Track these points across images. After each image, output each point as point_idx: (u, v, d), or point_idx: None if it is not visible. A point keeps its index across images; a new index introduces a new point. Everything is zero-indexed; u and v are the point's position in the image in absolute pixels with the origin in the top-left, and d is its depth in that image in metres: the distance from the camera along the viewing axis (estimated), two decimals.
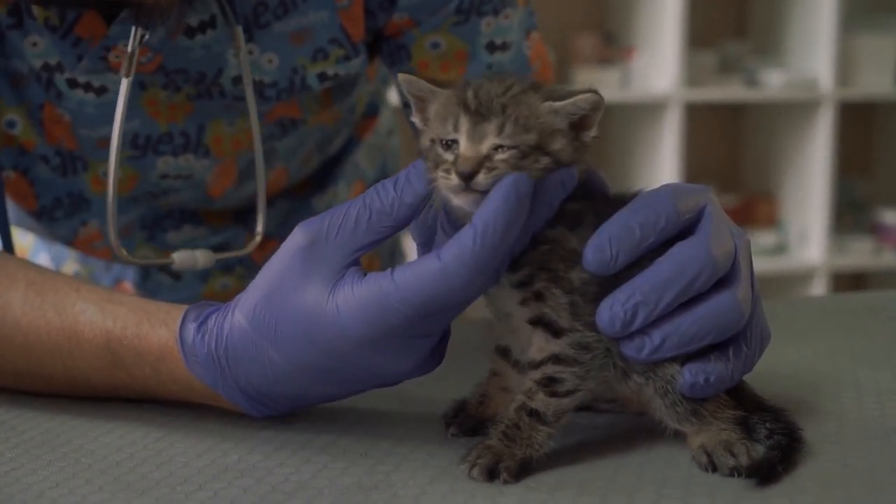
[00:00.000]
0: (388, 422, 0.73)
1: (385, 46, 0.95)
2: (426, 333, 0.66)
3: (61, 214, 1.03)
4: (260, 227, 0.93)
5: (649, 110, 3.32)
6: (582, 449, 0.67)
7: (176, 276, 1.12)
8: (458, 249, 0.62)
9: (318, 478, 0.64)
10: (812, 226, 3.41)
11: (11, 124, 0.94)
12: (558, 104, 0.63)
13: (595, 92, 0.63)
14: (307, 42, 0.91)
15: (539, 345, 0.64)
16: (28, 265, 0.80)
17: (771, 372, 0.75)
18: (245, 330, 0.68)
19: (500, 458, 0.62)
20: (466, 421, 0.70)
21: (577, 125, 0.64)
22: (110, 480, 0.63)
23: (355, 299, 0.64)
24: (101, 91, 0.90)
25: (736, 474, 0.62)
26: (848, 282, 3.70)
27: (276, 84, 0.92)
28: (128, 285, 1.12)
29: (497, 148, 0.62)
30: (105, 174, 0.98)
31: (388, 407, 0.76)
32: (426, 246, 0.67)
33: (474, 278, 0.62)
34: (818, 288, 3.39)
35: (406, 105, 0.67)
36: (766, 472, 0.62)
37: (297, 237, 0.67)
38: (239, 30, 0.86)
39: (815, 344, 0.93)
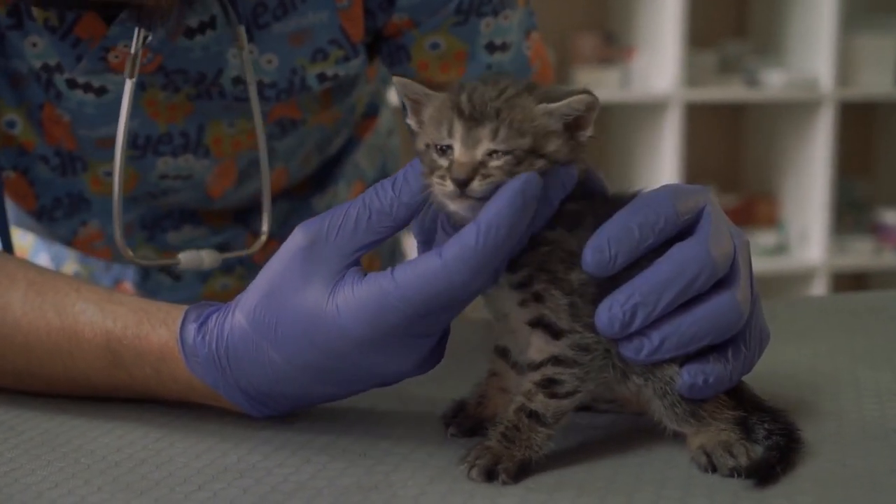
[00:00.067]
0: (388, 422, 0.73)
1: (385, 47, 0.95)
2: (426, 333, 0.66)
3: (61, 214, 1.03)
4: (265, 227, 0.93)
5: (649, 110, 3.32)
6: (581, 450, 0.67)
7: (176, 276, 1.12)
8: (459, 248, 0.62)
9: (318, 478, 0.64)
10: (812, 226, 3.41)
11: (11, 124, 0.94)
12: (553, 106, 0.63)
13: (589, 92, 0.63)
14: (307, 43, 0.91)
15: (538, 346, 0.64)
16: (28, 265, 0.80)
17: (771, 372, 0.75)
18: (245, 330, 0.68)
19: (498, 459, 0.62)
20: (465, 421, 0.70)
21: (573, 125, 0.64)
22: (109, 481, 0.63)
23: (355, 299, 0.64)
24: (101, 91, 0.90)
25: (735, 475, 0.62)
26: (848, 282, 3.70)
27: (276, 84, 0.92)
28: (128, 285, 1.12)
29: (492, 153, 0.62)
30: (106, 174, 0.99)
31: (387, 407, 0.76)
32: (427, 245, 0.67)
33: (475, 277, 0.62)
34: (818, 288, 3.39)
35: (405, 106, 0.67)
36: (764, 473, 0.62)
37: (297, 238, 0.67)
38: (242, 30, 0.86)
39: (816, 344, 0.93)
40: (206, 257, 0.91)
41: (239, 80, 0.91)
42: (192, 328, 0.71)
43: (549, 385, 0.64)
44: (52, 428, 0.73)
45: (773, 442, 0.65)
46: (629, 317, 0.63)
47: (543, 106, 0.63)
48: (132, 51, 0.83)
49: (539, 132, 0.62)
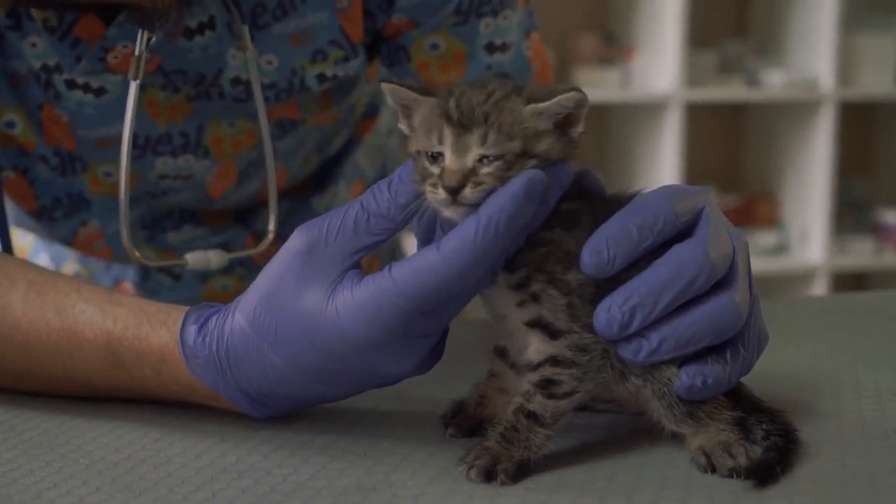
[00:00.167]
0: (387, 422, 0.73)
1: (384, 47, 0.95)
2: (426, 333, 0.65)
3: (61, 214, 1.03)
4: (272, 226, 0.93)
5: (650, 110, 3.32)
6: (581, 450, 0.67)
7: (176, 276, 1.12)
8: (458, 241, 0.62)
9: (317, 478, 0.64)
10: (813, 226, 3.41)
11: (11, 125, 0.94)
12: (542, 105, 0.63)
13: (577, 90, 0.63)
14: (306, 43, 0.91)
15: (536, 347, 0.64)
16: (28, 265, 0.80)
17: (771, 372, 0.75)
18: (245, 332, 0.68)
19: (497, 459, 0.62)
20: (465, 421, 0.70)
21: (564, 123, 0.64)
22: (108, 481, 0.63)
23: (354, 301, 0.64)
24: (100, 92, 0.90)
25: (735, 475, 0.62)
26: (849, 282, 3.70)
27: (276, 85, 0.92)
28: (128, 285, 1.12)
29: (482, 159, 0.62)
30: (106, 174, 0.99)
31: (386, 407, 0.76)
32: (426, 242, 0.67)
33: (473, 270, 0.62)
34: (819, 288, 3.39)
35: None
36: (764, 473, 0.62)
37: (296, 240, 0.67)
38: (245, 30, 0.86)
39: (816, 344, 0.93)
40: (213, 258, 0.92)
41: (238, 81, 0.91)
42: (192, 330, 0.71)
43: (547, 386, 0.64)
44: (51, 428, 0.73)
45: (772, 442, 0.65)
46: (628, 318, 0.63)
47: (532, 106, 0.63)
48: (136, 52, 0.83)
49: (529, 133, 0.62)
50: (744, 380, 0.68)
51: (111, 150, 0.94)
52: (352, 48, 0.92)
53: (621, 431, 0.71)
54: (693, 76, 3.27)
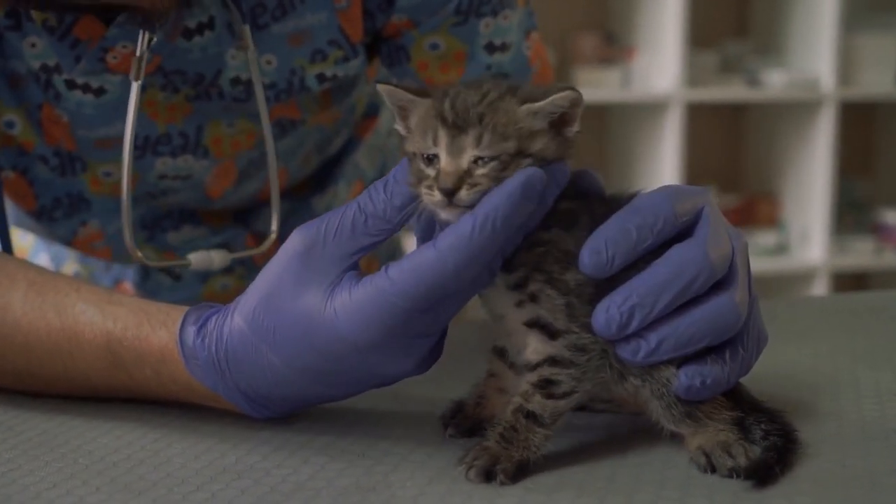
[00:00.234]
0: (387, 423, 0.73)
1: (384, 47, 0.95)
2: (425, 333, 0.65)
3: (60, 214, 1.03)
4: (275, 226, 0.93)
5: (650, 110, 3.32)
6: (580, 450, 0.67)
7: (176, 276, 1.12)
8: (455, 237, 0.62)
9: (316, 479, 0.64)
10: (813, 226, 3.41)
11: (10, 125, 0.94)
12: (537, 105, 0.63)
13: (572, 88, 0.63)
14: (306, 43, 0.91)
15: (535, 347, 0.64)
16: (28, 265, 0.80)
17: (771, 372, 0.75)
18: (244, 333, 0.68)
19: (496, 459, 0.62)
20: (464, 422, 0.70)
21: (559, 122, 0.64)
22: (108, 481, 0.63)
23: (352, 303, 0.64)
24: (100, 92, 0.90)
25: (734, 475, 0.62)
26: (849, 282, 3.70)
27: (275, 85, 0.92)
28: (127, 285, 1.12)
29: (477, 160, 0.62)
30: (105, 174, 0.99)
31: (386, 408, 0.76)
32: (426, 241, 0.67)
33: (469, 267, 0.62)
34: (819, 288, 3.39)
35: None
36: (763, 474, 0.62)
37: (294, 241, 0.67)
38: (247, 30, 0.86)
39: (816, 344, 0.93)
40: (215, 258, 0.92)
41: (238, 81, 0.91)
42: (191, 330, 0.71)
43: (545, 386, 0.64)
44: (50, 428, 0.72)
45: (771, 442, 0.65)
46: (626, 318, 0.63)
47: (527, 106, 0.63)
48: (137, 53, 0.83)
49: (523, 134, 0.62)
50: (744, 380, 0.68)
51: (111, 150, 0.94)
52: (351, 48, 0.92)
53: (620, 431, 0.71)
54: (693, 76, 3.27)
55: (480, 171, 0.62)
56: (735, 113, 3.71)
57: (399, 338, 0.64)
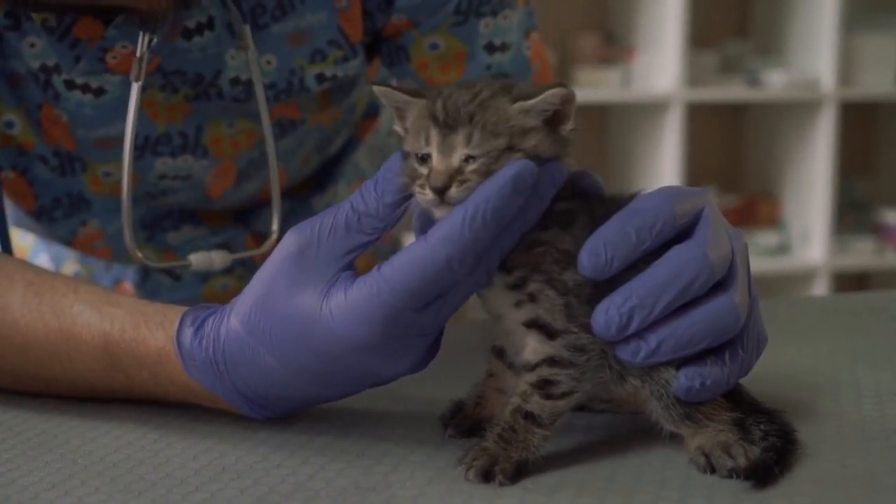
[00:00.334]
0: (386, 423, 0.73)
1: (384, 47, 0.95)
2: (421, 332, 0.65)
3: (60, 214, 1.03)
4: (276, 226, 0.93)
5: (650, 110, 3.32)
6: (580, 450, 0.67)
7: (176, 276, 1.12)
8: (447, 230, 0.62)
9: (316, 479, 0.64)
10: (814, 226, 3.41)
11: (10, 125, 0.94)
12: (529, 103, 0.63)
13: (563, 85, 0.63)
14: (305, 43, 0.91)
15: (533, 347, 0.64)
16: (27, 266, 0.80)
17: (771, 372, 0.75)
18: (241, 335, 0.68)
19: (495, 460, 0.62)
20: (464, 422, 0.70)
21: (554, 120, 0.64)
22: (107, 482, 0.63)
23: (347, 304, 0.64)
24: (99, 92, 0.90)
25: (734, 476, 0.62)
26: (849, 282, 3.70)
27: (275, 85, 0.92)
28: (127, 285, 1.12)
29: (468, 159, 0.62)
30: (105, 174, 0.99)
31: (385, 408, 0.76)
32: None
33: (462, 261, 0.62)
34: (820, 288, 3.39)
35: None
36: (763, 474, 0.62)
37: (288, 242, 0.67)
38: (247, 29, 0.86)
39: (816, 344, 0.93)
40: (216, 258, 0.91)
41: (237, 81, 0.91)
42: (188, 332, 0.70)
43: (544, 386, 0.64)
44: (49, 429, 0.72)
45: (770, 443, 0.64)
46: (626, 320, 0.63)
47: (520, 104, 0.63)
48: (138, 53, 0.83)
49: (515, 131, 0.62)
50: (743, 380, 0.68)
51: (111, 150, 0.94)
52: (351, 48, 0.92)
53: (620, 432, 0.71)
54: (694, 76, 3.27)
55: (471, 167, 0.62)
56: (735, 113, 3.71)
57: (396, 338, 0.64)
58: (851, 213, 3.64)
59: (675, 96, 3.20)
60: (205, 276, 1.12)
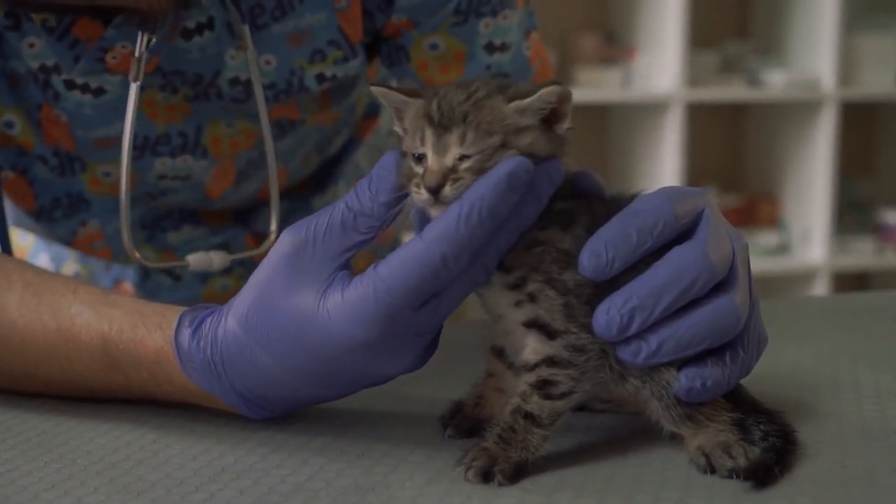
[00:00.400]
0: (386, 423, 0.73)
1: (384, 47, 0.95)
2: (418, 332, 0.65)
3: (60, 215, 1.03)
4: (274, 226, 0.93)
5: (651, 110, 3.32)
6: (580, 451, 0.67)
7: (176, 276, 1.12)
8: (442, 227, 0.62)
9: (315, 479, 0.64)
10: (814, 226, 3.41)
11: (9, 125, 0.94)
12: (525, 102, 0.63)
13: (558, 83, 0.63)
14: (305, 43, 0.91)
15: (533, 347, 0.64)
16: (26, 266, 0.80)
17: (771, 372, 0.75)
18: (238, 335, 0.68)
19: (495, 460, 0.62)
20: (463, 422, 0.70)
21: (551, 119, 0.64)
22: (106, 482, 0.63)
23: (344, 304, 0.64)
24: (99, 92, 0.90)
25: (734, 476, 0.62)
26: (850, 282, 3.70)
27: (274, 85, 0.92)
28: (127, 286, 1.12)
29: (462, 158, 0.62)
30: (105, 174, 0.99)
31: (385, 408, 0.76)
32: None
33: (458, 258, 0.62)
34: (820, 288, 3.39)
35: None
36: (763, 474, 0.62)
37: (283, 242, 0.67)
38: (246, 30, 0.86)
39: (816, 344, 0.93)
40: (214, 258, 0.91)
41: (237, 81, 0.91)
42: (186, 333, 0.70)
43: (544, 386, 0.64)
44: (48, 429, 0.72)
45: (770, 443, 0.64)
46: (627, 320, 0.63)
47: (515, 103, 0.63)
48: (136, 54, 0.83)
49: (509, 130, 0.63)
50: (744, 380, 0.68)
51: (110, 150, 0.94)
52: (350, 48, 0.92)
53: (620, 432, 0.70)
54: (694, 76, 3.27)
55: (464, 165, 0.62)
56: (736, 113, 3.71)
57: (393, 337, 0.64)
58: (852, 213, 3.64)
59: (675, 96, 3.20)
60: (205, 277, 1.12)
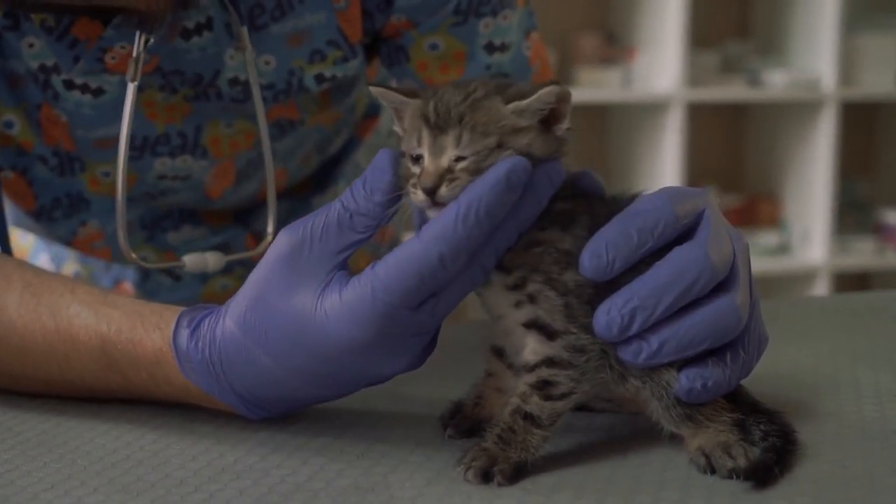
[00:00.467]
0: (385, 423, 0.73)
1: (384, 48, 0.95)
2: (417, 331, 0.65)
3: (60, 214, 1.03)
4: (271, 228, 0.93)
5: (651, 110, 3.32)
6: (580, 451, 0.67)
7: (176, 276, 1.12)
8: (439, 227, 0.62)
9: (315, 479, 0.64)
10: (814, 226, 3.41)
11: (9, 125, 0.94)
12: (524, 103, 0.63)
13: (557, 83, 0.63)
14: (304, 44, 0.91)
15: (533, 347, 0.64)
16: (25, 266, 0.80)
17: (772, 372, 0.75)
18: (236, 336, 0.68)
19: (494, 460, 0.62)
20: (463, 422, 0.70)
21: (550, 120, 0.63)
22: (105, 482, 0.63)
23: (342, 305, 0.64)
24: (98, 92, 0.90)
25: (734, 476, 0.62)
26: (850, 282, 3.70)
27: (274, 86, 0.92)
28: (127, 286, 1.12)
29: (458, 159, 0.62)
30: (104, 175, 0.99)
31: (384, 408, 0.76)
32: None
33: (456, 258, 0.62)
34: (821, 288, 3.39)
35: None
36: (763, 475, 0.61)
37: (280, 243, 0.67)
38: (244, 30, 0.86)
39: (817, 344, 0.93)
40: (210, 259, 0.91)
41: (236, 82, 0.91)
42: (184, 334, 0.70)
43: (543, 387, 0.63)
44: (48, 429, 0.72)
45: (770, 443, 0.64)
46: (627, 321, 0.63)
47: (514, 104, 0.63)
48: (134, 54, 0.83)
49: (506, 130, 0.62)
50: (744, 380, 0.68)
51: (110, 150, 0.94)
52: (350, 49, 0.92)
53: (620, 432, 0.70)
54: (694, 76, 3.27)
55: (460, 166, 0.62)
56: (736, 113, 3.71)
57: (391, 337, 0.64)
58: (852, 213, 3.64)
59: (675, 96, 3.20)
60: (204, 277, 1.12)
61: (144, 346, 0.72)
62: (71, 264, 1.14)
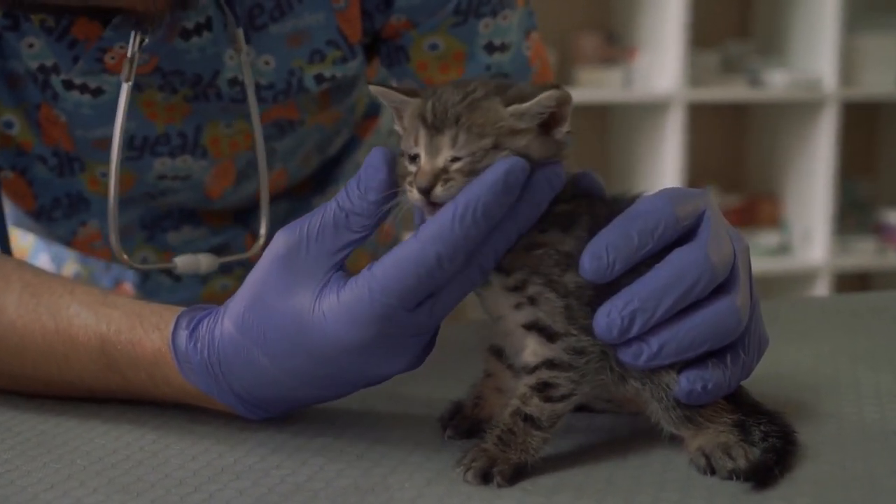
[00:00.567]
0: (385, 424, 0.73)
1: (383, 48, 0.95)
2: (415, 332, 0.65)
3: (60, 215, 1.03)
4: (263, 230, 0.92)
5: (652, 110, 3.32)
6: (579, 452, 0.67)
7: (176, 277, 1.12)
8: (437, 227, 0.61)
9: (315, 480, 0.63)
10: (815, 226, 3.41)
11: (9, 125, 0.94)
12: (524, 106, 0.63)
13: (558, 87, 0.63)
14: (304, 44, 0.90)
15: (533, 349, 0.64)
16: (24, 266, 0.80)
17: (772, 373, 0.75)
18: (235, 337, 0.68)
19: (494, 461, 0.62)
20: (462, 423, 0.70)
21: (550, 123, 0.63)
22: (105, 482, 0.63)
23: (340, 305, 0.64)
24: (98, 92, 0.90)
25: (734, 477, 0.62)
26: (851, 282, 3.70)
27: (273, 86, 0.92)
28: (127, 286, 1.12)
29: (454, 160, 0.62)
30: (103, 175, 0.99)
31: (384, 409, 0.75)
32: None
33: (453, 258, 0.62)
34: (821, 288, 3.39)
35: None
36: (763, 475, 0.61)
37: (277, 243, 0.67)
38: (240, 32, 0.86)
39: (817, 345, 0.93)
40: (203, 261, 0.91)
41: (236, 82, 0.91)
42: (183, 335, 0.70)
43: (543, 389, 0.63)
44: (47, 429, 0.72)
45: (770, 444, 0.64)
46: (628, 322, 0.63)
47: (514, 108, 0.63)
48: (129, 54, 0.83)
49: (503, 132, 0.62)
50: (745, 381, 0.68)
51: (108, 150, 0.93)
52: (350, 49, 0.92)
53: (620, 433, 0.70)
54: (695, 76, 3.27)
55: (455, 166, 0.62)
56: (737, 113, 3.71)
57: (389, 337, 0.64)
58: (853, 214, 3.64)
59: (676, 96, 3.20)
60: (205, 277, 1.12)
61: (144, 347, 0.72)
62: (71, 264, 1.14)
